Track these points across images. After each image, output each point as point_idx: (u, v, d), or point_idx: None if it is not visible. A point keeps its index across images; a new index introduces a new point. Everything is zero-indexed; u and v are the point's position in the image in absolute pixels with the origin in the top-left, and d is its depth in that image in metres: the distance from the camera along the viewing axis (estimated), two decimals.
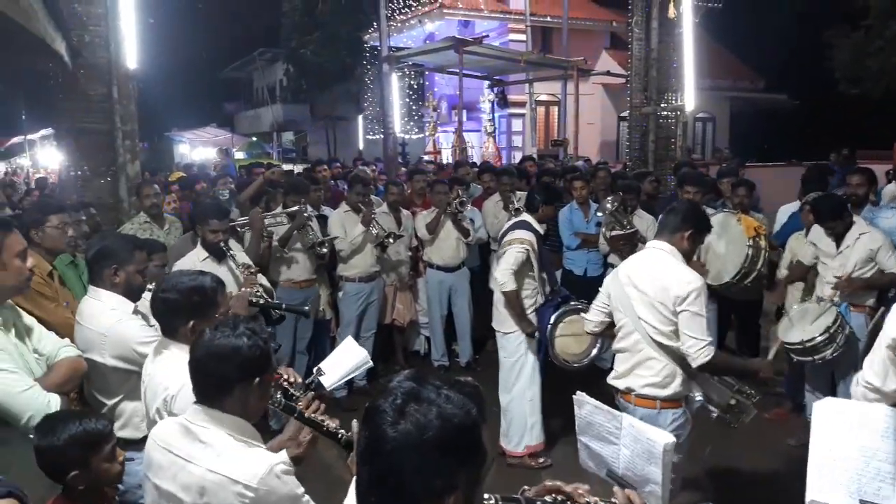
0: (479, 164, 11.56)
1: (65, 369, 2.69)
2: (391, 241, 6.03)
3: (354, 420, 2.15)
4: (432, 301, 6.59)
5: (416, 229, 6.50)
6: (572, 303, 4.51)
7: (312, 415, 2.12)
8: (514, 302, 4.64)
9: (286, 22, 26.17)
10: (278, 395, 2.13)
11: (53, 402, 2.48)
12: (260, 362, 2.00)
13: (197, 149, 30.70)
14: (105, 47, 6.09)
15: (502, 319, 4.74)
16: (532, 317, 4.66)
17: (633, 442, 2.33)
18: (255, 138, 32.80)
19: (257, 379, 2.00)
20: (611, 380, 3.49)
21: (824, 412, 2.08)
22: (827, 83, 20.51)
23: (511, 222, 4.88)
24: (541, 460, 4.79)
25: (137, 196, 5.74)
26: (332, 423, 2.11)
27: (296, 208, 5.56)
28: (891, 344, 2.32)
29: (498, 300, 4.76)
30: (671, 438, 2.26)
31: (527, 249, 4.59)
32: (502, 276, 4.60)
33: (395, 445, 1.18)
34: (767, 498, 4.37)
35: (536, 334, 4.63)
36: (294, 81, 28.29)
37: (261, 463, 1.91)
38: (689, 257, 3.44)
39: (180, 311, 2.47)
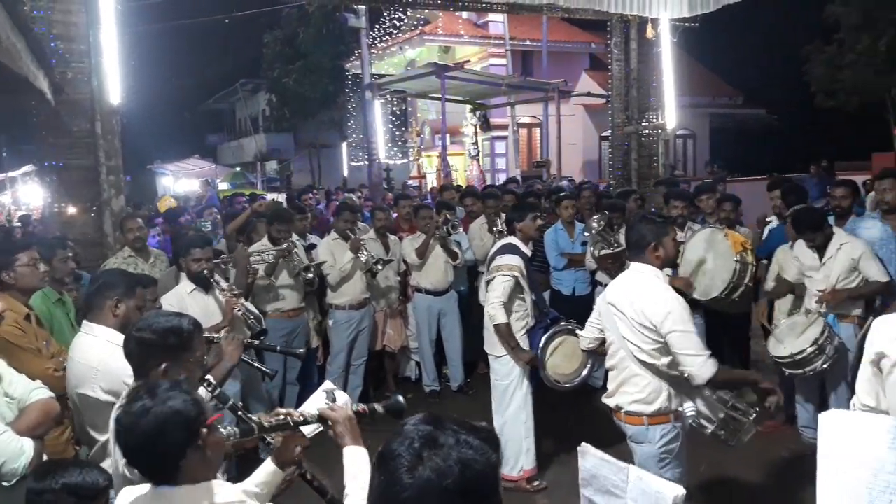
0: (464, 186, 11.61)
1: (37, 412, 2.63)
2: (380, 267, 6.01)
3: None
4: (421, 326, 6.57)
5: (405, 254, 6.49)
6: (562, 323, 4.52)
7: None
8: (505, 335, 4.57)
9: (268, 52, 26.25)
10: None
11: (27, 447, 2.42)
12: (199, 416, 1.84)
13: (180, 180, 30.65)
14: (87, 83, 6.09)
15: (494, 343, 4.71)
16: (524, 339, 4.64)
17: (641, 495, 2.25)
18: (238, 168, 32.82)
19: (204, 430, 1.84)
20: (604, 398, 3.49)
21: (831, 424, 2.03)
22: (803, 97, 20.85)
23: (497, 246, 4.86)
24: (536, 483, 4.73)
25: (121, 230, 5.67)
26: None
27: (283, 247, 5.51)
28: (873, 359, 2.32)
29: (489, 323, 4.74)
30: (681, 490, 2.17)
31: (514, 276, 4.55)
32: (492, 309, 4.55)
33: (413, 493, 1.14)
34: None
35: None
36: (277, 111, 28.33)
37: None
38: (672, 260, 3.44)
39: (154, 351, 2.36)
